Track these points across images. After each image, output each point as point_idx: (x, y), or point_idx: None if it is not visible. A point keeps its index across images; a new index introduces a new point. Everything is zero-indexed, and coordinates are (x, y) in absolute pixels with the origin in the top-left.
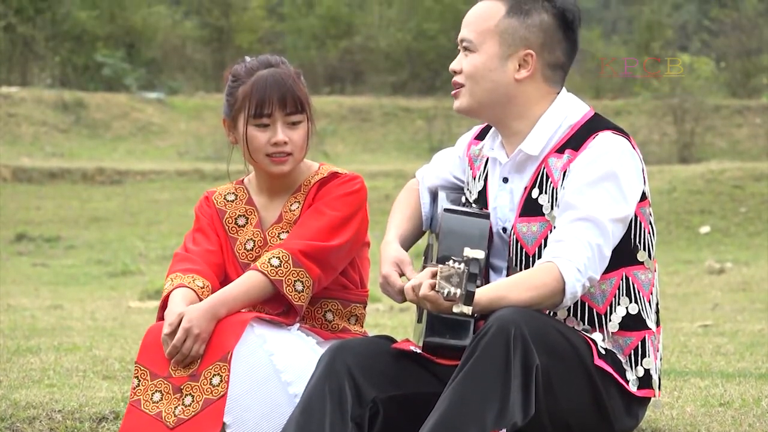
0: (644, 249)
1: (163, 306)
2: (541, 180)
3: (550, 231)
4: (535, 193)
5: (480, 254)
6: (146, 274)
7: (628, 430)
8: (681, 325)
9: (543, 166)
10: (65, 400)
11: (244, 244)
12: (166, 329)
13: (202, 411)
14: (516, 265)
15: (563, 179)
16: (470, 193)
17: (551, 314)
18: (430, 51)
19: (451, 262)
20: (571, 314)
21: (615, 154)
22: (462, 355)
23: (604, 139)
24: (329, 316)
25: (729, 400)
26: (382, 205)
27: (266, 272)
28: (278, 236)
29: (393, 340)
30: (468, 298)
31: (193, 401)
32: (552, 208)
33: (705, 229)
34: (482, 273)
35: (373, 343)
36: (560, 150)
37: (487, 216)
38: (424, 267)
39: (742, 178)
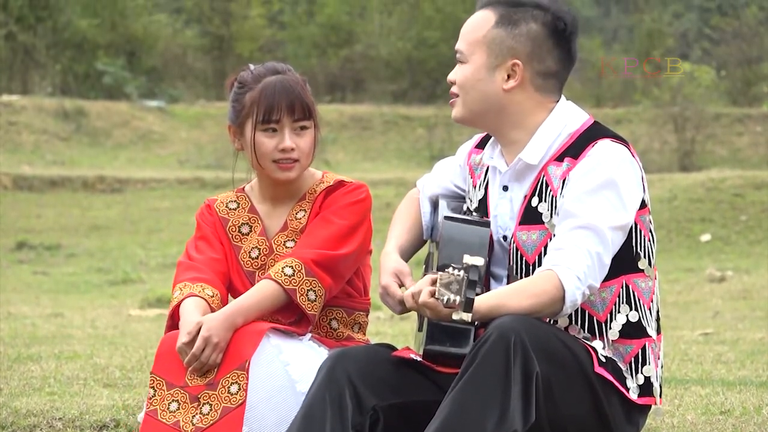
0: (644, 257)
1: (173, 315)
2: (540, 188)
3: (550, 239)
4: (534, 201)
5: (479, 261)
6: (147, 282)
7: None
8: (681, 333)
9: (542, 174)
10: (66, 408)
11: (249, 252)
12: (184, 338)
13: (221, 419)
14: (516, 273)
15: (562, 187)
16: (471, 201)
17: (552, 322)
18: (431, 59)
19: (450, 269)
20: (572, 322)
21: (614, 162)
22: (462, 363)
23: (603, 147)
24: (334, 324)
25: (730, 409)
26: (383, 214)
27: (280, 281)
28: (284, 244)
29: (393, 348)
30: (467, 305)
31: (211, 410)
32: (551, 216)
33: (706, 237)
34: (482, 280)
35: (373, 351)
36: (560, 158)
37: (487, 224)
38: (424, 275)
39: (742, 187)
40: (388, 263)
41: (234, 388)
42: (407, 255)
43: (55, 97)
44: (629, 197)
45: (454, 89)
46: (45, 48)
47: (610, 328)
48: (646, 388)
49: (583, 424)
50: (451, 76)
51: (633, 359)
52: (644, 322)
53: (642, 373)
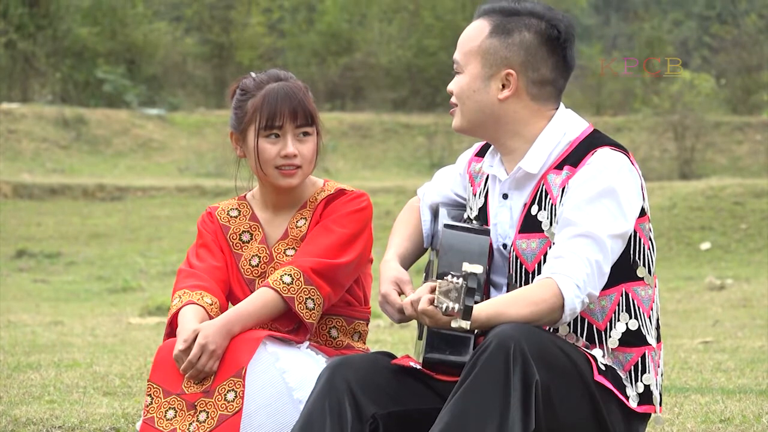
0: (644, 265)
1: (171, 322)
2: (540, 196)
3: (550, 247)
4: (534, 209)
5: (478, 269)
6: (147, 291)
7: None
8: (681, 341)
9: (542, 182)
10: (65, 416)
11: (249, 260)
12: (180, 345)
13: (218, 426)
14: (516, 281)
15: (562, 195)
16: (471, 209)
17: (551, 330)
18: (431, 67)
19: (449, 277)
20: (571, 330)
21: (614, 171)
22: (462, 371)
23: (602, 155)
24: (334, 332)
25: (729, 417)
26: (383, 222)
27: (279, 289)
28: (284, 252)
29: (393, 356)
30: (466, 313)
31: (207, 417)
32: (551, 225)
33: (705, 245)
34: (482, 288)
35: (372, 360)
36: (559, 166)
37: (487, 232)
38: (424, 283)
39: (742, 195)
40: (387, 271)
41: (230, 396)
42: (407, 263)
43: (55, 105)
44: (629, 205)
45: (453, 99)
46: (45, 56)
47: (610, 337)
48: (645, 397)
49: None
50: (449, 86)
51: (633, 367)
52: (644, 331)
53: (642, 381)
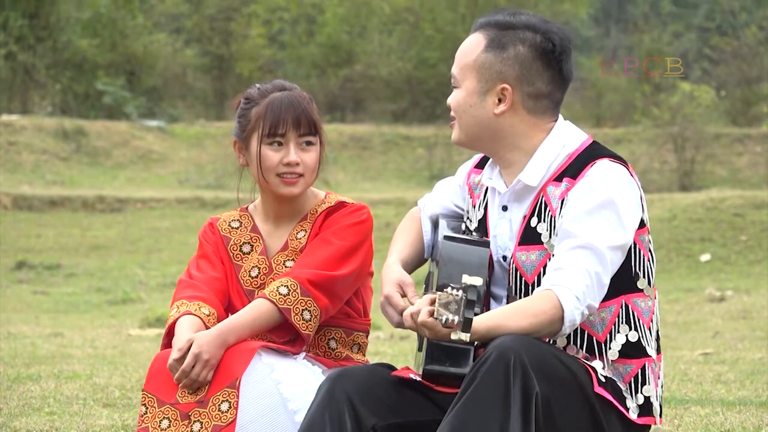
0: (644, 276)
1: (168, 333)
2: (539, 208)
3: (549, 259)
4: (533, 221)
5: (478, 281)
6: (146, 302)
7: None
8: (681, 353)
9: (541, 194)
10: (65, 428)
11: (249, 271)
12: (175, 354)
13: None
14: (516, 293)
15: (561, 207)
16: (470, 221)
17: (551, 342)
18: (431, 79)
19: (449, 289)
20: (571, 342)
21: (613, 182)
22: (462, 383)
23: (601, 167)
24: (333, 344)
25: (729, 429)
26: (383, 233)
27: (275, 300)
28: (284, 264)
29: (393, 368)
30: (466, 325)
31: (201, 427)
32: (550, 237)
33: (705, 257)
34: (482, 300)
35: (372, 371)
36: (558, 178)
37: (487, 244)
38: (424, 295)
39: (742, 207)
40: (390, 274)
41: (224, 406)
42: (410, 268)
43: (55, 117)
44: (628, 217)
45: (452, 113)
46: (45, 68)
47: (610, 348)
48: (645, 408)
49: None
50: (448, 100)
51: (633, 379)
52: (644, 342)
53: (642, 392)
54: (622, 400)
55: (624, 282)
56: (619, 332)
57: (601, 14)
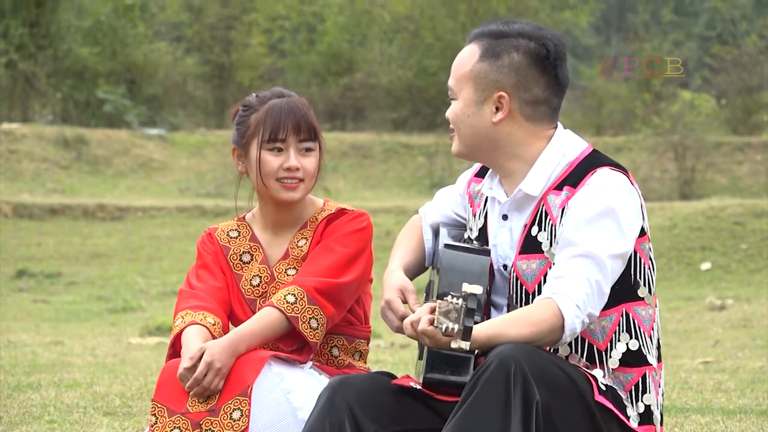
0: (644, 285)
1: (174, 343)
2: (540, 217)
3: (550, 268)
4: (534, 230)
5: (478, 289)
6: (147, 311)
7: None
8: (682, 361)
9: (542, 203)
10: None
11: (250, 280)
12: (186, 363)
13: None
14: (516, 302)
15: (562, 216)
16: (471, 230)
17: (552, 350)
18: (431, 87)
19: (449, 297)
20: (572, 350)
21: (613, 191)
22: (462, 392)
23: (602, 175)
24: (335, 351)
25: None
26: (383, 242)
27: (282, 309)
28: (285, 272)
29: (393, 376)
30: (466, 333)
31: None
32: (551, 245)
33: (706, 265)
34: (482, 309)
35: (373, 379)
36: (559, 187)
37: (487, 252)
38: (425, 303)
39: (742, 215)
40: (392, 280)
41: (236, 414)
42: (411, 274)
43: (55, 125)
44: (628, 225)
45: (451, 125)
46: (45, 76)
47: (610, 357)
48: (646, 417)
49: None
50: (447, 113)
51: (633, 387)
52: (644, 351)
53: (642, 401)
54: (623, 409)
55: (624, 290)
56: (619, 341)
57: (602, 23)
